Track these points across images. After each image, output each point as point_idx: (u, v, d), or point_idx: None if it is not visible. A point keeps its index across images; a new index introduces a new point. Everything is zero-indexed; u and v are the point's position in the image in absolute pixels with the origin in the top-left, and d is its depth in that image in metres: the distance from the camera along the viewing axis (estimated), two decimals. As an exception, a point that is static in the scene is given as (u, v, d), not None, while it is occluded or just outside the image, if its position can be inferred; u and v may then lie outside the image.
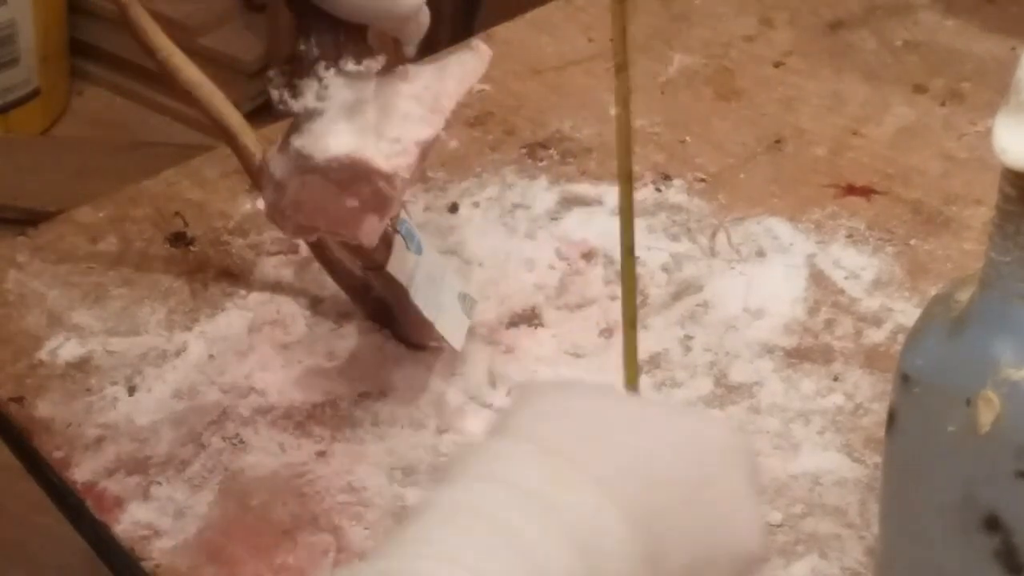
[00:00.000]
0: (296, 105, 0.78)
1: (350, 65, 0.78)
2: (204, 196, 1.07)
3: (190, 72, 0.92)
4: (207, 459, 0.87)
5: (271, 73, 0.79)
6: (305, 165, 0.78)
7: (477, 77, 0.84)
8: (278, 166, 0.80)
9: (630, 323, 0.71)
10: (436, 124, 0.80)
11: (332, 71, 0.77)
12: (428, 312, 0.90)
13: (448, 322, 0.91)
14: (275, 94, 0.78)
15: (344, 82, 0.78)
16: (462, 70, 0.83)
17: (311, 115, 0.78)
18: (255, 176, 0.94)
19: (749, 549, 0.61)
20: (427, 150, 0.81)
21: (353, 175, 0.78)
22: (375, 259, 0.89)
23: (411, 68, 0.81)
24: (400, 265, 0.89)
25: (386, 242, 0.88)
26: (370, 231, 0.81)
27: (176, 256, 1.02)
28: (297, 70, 0.78)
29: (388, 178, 0.78)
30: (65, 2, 2.42)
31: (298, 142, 0.78)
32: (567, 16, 1.28)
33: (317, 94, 0.77)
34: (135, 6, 0.89)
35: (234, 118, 0.93)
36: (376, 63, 0.78)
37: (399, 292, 0.90)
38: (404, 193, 0.82)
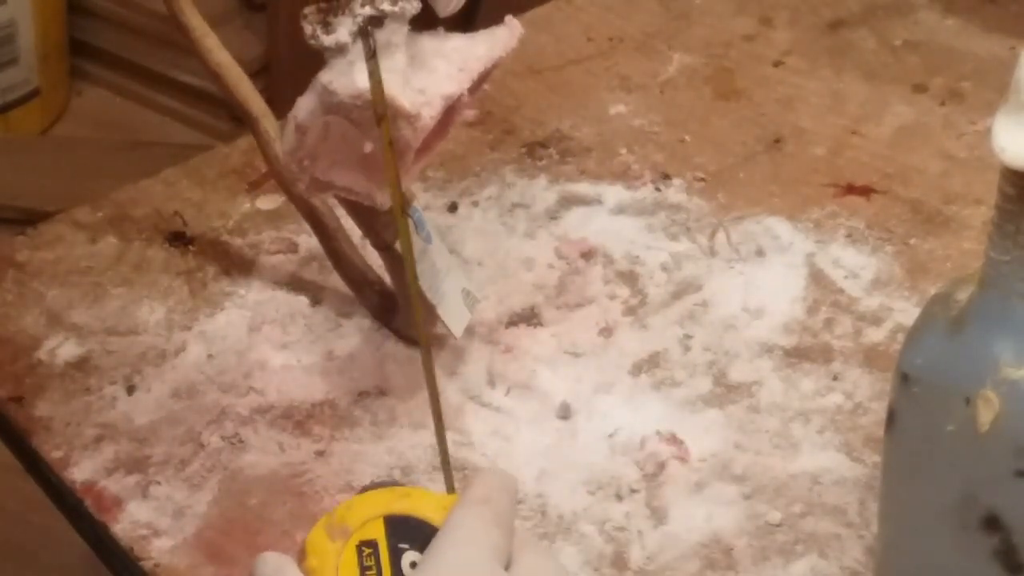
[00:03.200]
0: (328, 40, 0.78)
1: (386, 4, 0.77)
2: (203, 196, 1.07)
3: (220, 55, 0.92)
4: (206, 458, 0.87)
5: (306, 10, 0.78)
6: (330, 102, 0.78)
7: (507, 49, 0.83)
8: (302, 107, 0.80)
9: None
10: (462, 82, 0.80)
11: (368, 8, 0.77)
12: (430, 296, 0.90)
13: (449, 310, 0.91)
14: (308, 29, 0.78)
15: (381, 23, 0.78)
16: (492, 39, 0.83)
17: (342, 50, 0.78)
18: (271, 161, 0.94)
19: None
20: (453, 113, 0.81)
21: (374, 116, 0.78)
22: (384, 237, 0.89)
23: (441, 31, 0.81)
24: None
25: (396, 223, 0.88)
26: (386, 188, 0.81)
27: (175, 256, 1.02)
28: (333, 7, 0.78)
29: (411, 119, 0.77)
30: (65, 2, 2.42)
31: (325, 77, 0.78)
32: (566, 16, 1.28)
33: (350, 31, 0.77)
34: None
35: (257, 103, 0.94)
36: (411, 6, 0.78)
37: (403, 275, 0.90)
38: (422, 160, 0.82)
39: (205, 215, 1.05)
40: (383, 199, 0.82)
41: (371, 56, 0.76)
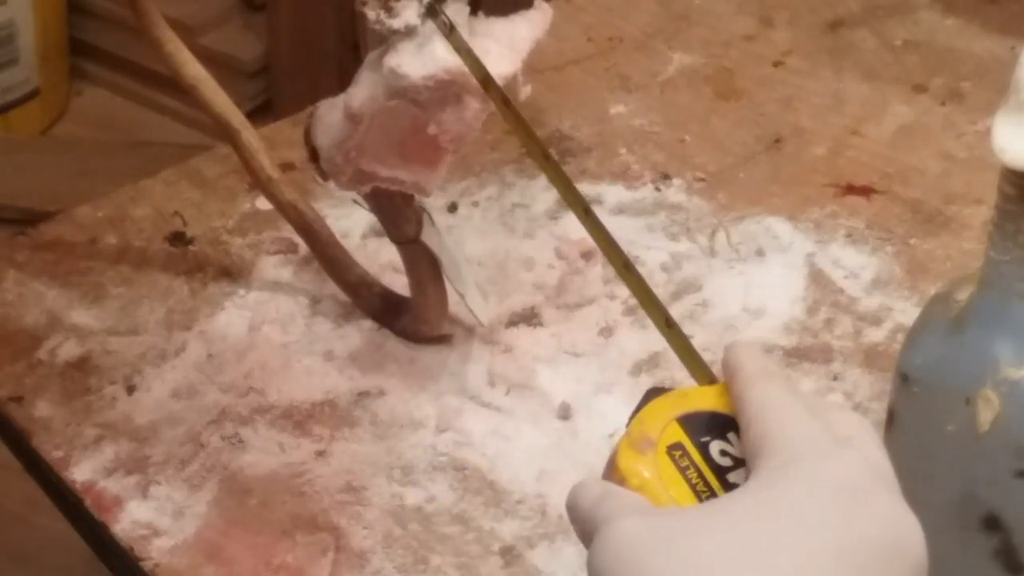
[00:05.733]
0: (396, 23, 0.78)
1: None
2: (203, 196, 1.07)
3: (193, 68, 0.92)
4: (206, 458, 0.87)
5: None
6: (397, 85, 0.78)
7: (544, 29, 0.84)
8: (357, 96, 0.80)
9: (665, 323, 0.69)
10: (515, 62, 0.81)
11: None
12: (458, 285, 0.90)
13: (473, 297, 0.92)
14: (371, 15, 0.78)
15: (444, 3, 0.79)
16: (530, 20, 0.83)
17: (409, 33, 0.78)
18: (255, 172, 0.94)
19: None
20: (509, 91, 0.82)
21: (444, 96, 0.78)
22: (407, 232, 0.89)
23: (482, 17, 0.82)
24: (429, 239, 0.89)
25: (416, 216, 0.88)
26: (436, 173, 0.82)
27: (175, 256, 1.02)
28: None
29: (482, 97, 0.78)
30: (65, 2, 2.42)
31: (393, 61, 0.78)
32: (567, 16, 1.28)
33: (418, 12, 0.78)
34: None
35: (235, 116, 0.94)
36: None
37: (424, 269, 0.90)
38: (459, 150, 0.83)
39: (205, 215, 1.05)
40: (433, 183, 0.83)
41: (450, 30, 0.76)
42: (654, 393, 0.62)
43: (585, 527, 0.56)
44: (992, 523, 0.67)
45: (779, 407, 0.58)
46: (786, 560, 0.51)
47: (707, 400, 0.61)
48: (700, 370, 0.64)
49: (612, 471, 0.59)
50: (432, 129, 0.80)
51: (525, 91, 0.82)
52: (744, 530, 0.52)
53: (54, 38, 2.40)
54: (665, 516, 0.55)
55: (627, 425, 0.61)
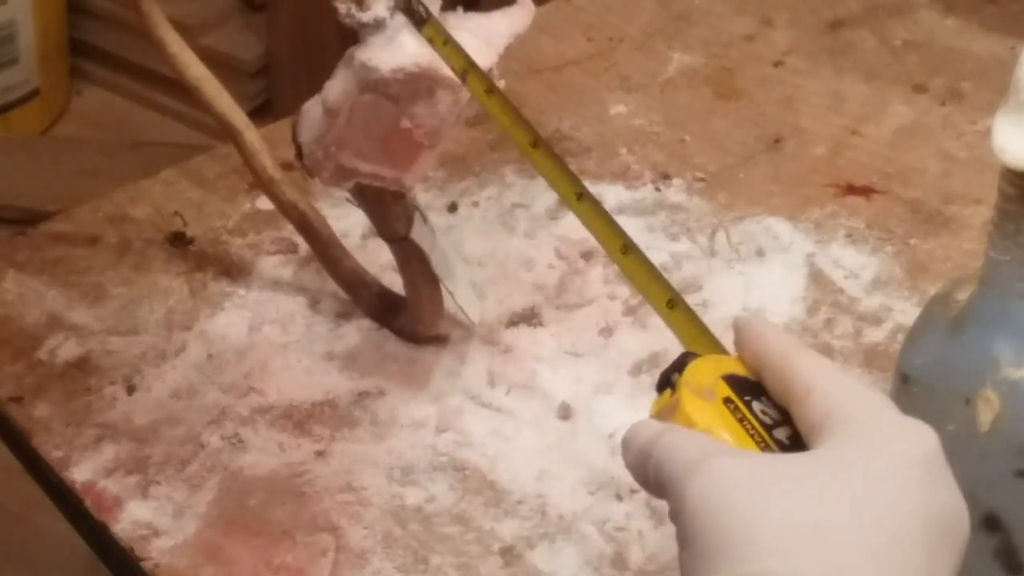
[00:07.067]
0: (365, 16, 0.78)
1: None
2: (203, 196, 1.07)
3: (197, 69, 0.92)
4: (206, 458, 0.87)
5: None
6: (368, 79, 0.78)
7: (524, 26, 0.84)
8: (332, 89, 0.80)
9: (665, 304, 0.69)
10: (491, 56, 0.81)
11: None
12: (448, 283, 0.90)
13: (464, 296, 0.92)
14: (342, 8, 0.79)
15: None
16: (510, 16, 0.84)
17: (379, 26, 0.78)
18: (258, 173, 0.94)
19: None
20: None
21: (415, 89, 0.78)
22: (397, 229, 0.89)
23: (460, 12, 0.82)
24: (420, 237, 0.89)
25: (407, 214, 0.88)
26: (416, 167, 0.82)
27: (175, 256, 1.02)
28: None
29: (453, 90, 0.78)
30: (65, 2, 2.42)
31: (363, 55, 0.78)
32: (566, 16, 1.28)
33: (387, 5, 0.78)
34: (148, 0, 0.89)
35: (238, 115, 0.94)
36: None
37: (416, 267, 0.90)
38: (436, 148, 0.83)
39: (205, 215, 1.05)
40: (413, 178, 0.83)
41: (425, 20, 0.76)
42: (689, 356, 0.63)
43: (643, 456, 0.58)
44: (992, 523, 0.67)
45: (837, 377, 0.59)
46: (883, 525, 0.53)
47: (736, 367, 0.62)
48: (712, 345, 0.64)
49: (675, 416, 0.60)
50: (405, 123, 0.80)
51: (499, 85, 0.82)
52: (844, 487, 0.54)
53: (54, 38, 2.40)
54: (765, 460, 0.56)
55: (663, 378, 0.62)
